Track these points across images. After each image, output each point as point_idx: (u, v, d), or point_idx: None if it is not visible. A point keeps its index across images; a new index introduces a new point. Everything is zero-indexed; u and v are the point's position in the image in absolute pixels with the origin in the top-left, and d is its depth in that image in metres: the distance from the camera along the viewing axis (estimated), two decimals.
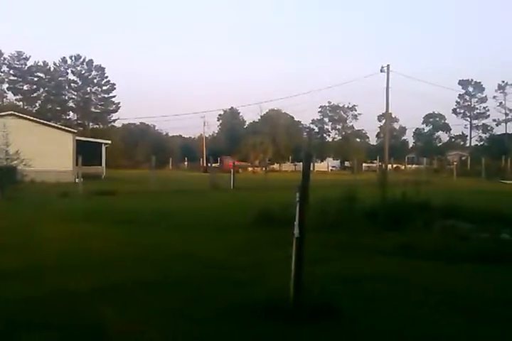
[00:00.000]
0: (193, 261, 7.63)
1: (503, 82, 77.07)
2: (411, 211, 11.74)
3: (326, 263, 7.38)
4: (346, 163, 74.17)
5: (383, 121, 75.89)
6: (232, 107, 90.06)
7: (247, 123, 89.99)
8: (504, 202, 16.40)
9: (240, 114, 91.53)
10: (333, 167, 74.81)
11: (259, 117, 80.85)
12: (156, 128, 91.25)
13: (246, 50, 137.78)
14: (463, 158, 65.25)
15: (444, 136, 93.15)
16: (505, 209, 12.91)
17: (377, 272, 6.89)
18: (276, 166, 72.28)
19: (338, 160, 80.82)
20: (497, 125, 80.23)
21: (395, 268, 7.29)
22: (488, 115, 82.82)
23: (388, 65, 44.94)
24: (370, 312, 5.03)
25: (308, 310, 4.63)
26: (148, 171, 31.43)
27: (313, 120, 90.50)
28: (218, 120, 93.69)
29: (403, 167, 62.47)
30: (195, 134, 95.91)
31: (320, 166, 66.39)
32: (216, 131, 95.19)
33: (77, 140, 38.15)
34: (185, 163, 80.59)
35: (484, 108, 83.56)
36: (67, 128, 40.29)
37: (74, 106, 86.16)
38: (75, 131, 42.02)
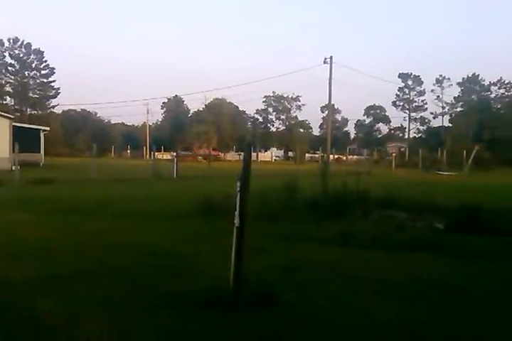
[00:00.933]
0: (132, 250, 7.52)
1: (441, 76, 79.34)
2: (351, 201, 11.98)
3: (267, 253, 7.42)
4: (290, 153, 74.83)
5: (326, 112, 76.95)
6: (176, 95, 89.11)
7: (191, 111, 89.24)
8: (439, 192, 16.77)
9: (185, 103, 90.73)
10: (276, 157, 75.34)
11: (204, 106, 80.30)
12: (98, 115, 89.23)
13: (192, 38, 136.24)
14: (402, 150, 67.01)
15: (384, 128, 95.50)
16: (439, 199, 13.31)
17: (316, 261, 6.97)
18: (220, 155, 72.08)
19: (282, 151, 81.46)
20: (434, 118, 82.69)
21: (334, 257, 7.41)
22: (426, 108, 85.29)
23: (331, 57, 45.54)
24: (308, 300, 5.10)
25: (247, 299, 4.67)
26: (89, 159, 30.69)
27: (257, 110, 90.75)
28: (162, 108, 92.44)
29: (345, 158, 63.61)
30: (139, 122, 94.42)
31: (264, 156, 66.71)
32: (160, 119, 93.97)
33: (14, 126, 36.75)
34: (128, 151, 79.17)
35: (422, 101, 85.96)
36: (3, 114, 38.68)
37: (11, 90, 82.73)
38: (12, 116, 40.37)
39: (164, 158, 50.92)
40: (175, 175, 28.69)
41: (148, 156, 61.05)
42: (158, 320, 4.45)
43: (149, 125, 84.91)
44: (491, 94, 66.66)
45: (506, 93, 63.98)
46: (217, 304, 4.66)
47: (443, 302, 5.24)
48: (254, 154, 43.02)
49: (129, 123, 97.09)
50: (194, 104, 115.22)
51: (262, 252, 7.34)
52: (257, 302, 4.68)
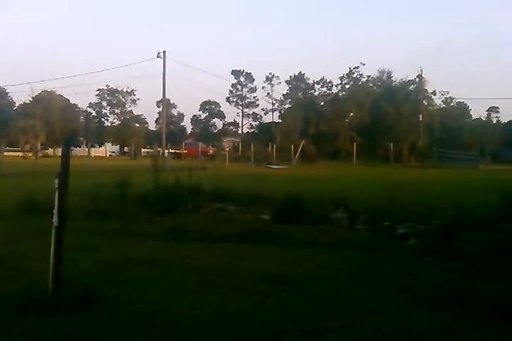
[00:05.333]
0: None
1: (271, 74, 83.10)
2: (183, 196, 12.11)
3: (95, 251, 7.27)
4: (125, 149, 73.10)
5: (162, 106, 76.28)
6: None
7: (17, 104, 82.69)
8: (267, 185, 17.33)
9: (9, 95, 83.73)
10: (112, 152, 73.10)
11: (31, 98, 74.89)
12: None
13: (16, 25, 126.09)
14: (235, 145, 68.97)
15: (219, 123, 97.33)
16: (267, 191, 13.87)
17: (146, 257, 6.92)
18: (50, 151, 67.88)
19: (118, 146, 79.20)
20: (265, 114, 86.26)
21: (164, 252, 7.42)
22: (258, 104, 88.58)
23: (164, 51, 45.23)
24: (133, 298, 5.02)
25: (68, 300, 4.49)
26: None
27: (90, 104, 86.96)
28: None
29: (181, 152, 63.67)
30: None
31: (98, 151, 64.27)
32: None
33: None
34: None
35: (254, 97, 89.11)
36: None
37: None
38: None
39: None
40: None
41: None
42: None
43: None
44: (314, 92, 71.41)
45: (328, 91, 68.95)
46: (34, 308, 4.43)
47: (265, 290, 5.45)
48: (87, 149, 41.23)
49: None
50: (20, 97, 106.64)
51: (90, 250, 7.19)
52: (79, 304, 4.51)
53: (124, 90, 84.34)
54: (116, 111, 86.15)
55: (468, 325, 4.44)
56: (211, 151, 60.21)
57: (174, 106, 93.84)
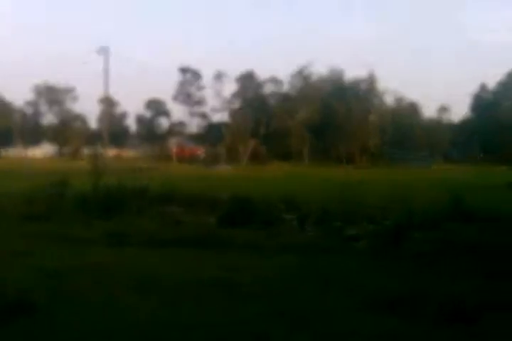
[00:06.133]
0: None
1: (219, 72, 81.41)
2: (126, 198, 11.70)
3: (30, 256, 6.98)
4: (65, 149, 69.98)
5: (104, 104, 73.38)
6: None
7: None
8: (216, 186, 17.28)
9: None
10: (49, 153, 69.88)
11: None
12: None
13: None
14: (183, 145, 67.15)
15: (165, 122, 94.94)
16: (215, 193, 13.82)
17: (83, 263, 6.64)
18: None
19: (56, 146, 75.68)
20: (214, 113, 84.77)
21: (102, 257, 7.09)
22: (206, 103, 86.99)
23: (107, 47, 42.89)
24: (70, 306, 4.81)
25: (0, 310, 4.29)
26: None
27: (26, 101, 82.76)
28: None
29: (124, 153, 61.36)
30: None
31: (35, 152, 61.32)
32: None
33: None
34: None
35: (202, 96, 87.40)
36: None
37: None
38: None
39: None
40: None
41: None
42: None
43: None
44: (264, 90, 70.33)
45: (278, 90, 67.99)
46: None
47: (206, 294, 5.29)
48: (23, 150, 38.54)
49: None
50: None
51: (24, 256, 6.95)
52: (11, 312, 4.33)
53: (64, 87, 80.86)
54: (55, 109, 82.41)
55: (413, 327, 4.43)
56: (200, 152, 58.16)
57: (117, 104, 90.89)
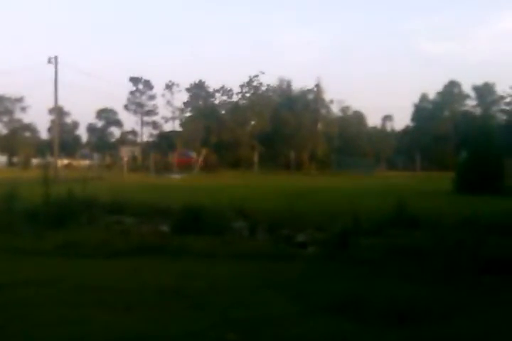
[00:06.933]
0: None
1: (170, 81, 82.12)
2: (76, 208, 11.60)
3: None
4: (15, 159, 69.10)
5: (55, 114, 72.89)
6: None
7: None
8: (167, 195, 17.18)
9: None
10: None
11: None
12: None
13: None
14: (135, 154, 67.41)
15: (117, 132, 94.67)
16: (167, 202, 13.61)
17: (33, 275, 6.52)
18: None
19: (5, 156, 74.64)
20: (165, 122, 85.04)
21: (54, 269, 7.05)
22: (158, 112, 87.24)
23: (56, 57, 43.20)
24: (21, 320, 4.69)
25: None
26: None
27: None
28: None
29: (75, 163, 61.22)
30: None
31: None
32: None
33: None
34: None
35: (154, 105, 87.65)
36: None
37: None
38: None
39: None
40: None
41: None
42: None
43: None
44: (215, 100, 71.38)
45: (228, 99, 69.18)
46: None
47: (159, 304, 5.29)
48: None
49: None
50: None
51: None
52: None
53: (12, 97, 79.87)
54: (4, 119, 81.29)
55: (363, 330, 4.55)
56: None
57: (68, 114, 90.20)
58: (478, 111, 68.08)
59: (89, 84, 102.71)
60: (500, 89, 70.61)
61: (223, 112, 68.43)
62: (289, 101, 63.39)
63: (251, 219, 11.36)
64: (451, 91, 72.73)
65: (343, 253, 7.99)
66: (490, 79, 72.35)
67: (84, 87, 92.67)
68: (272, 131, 60.00)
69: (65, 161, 49.69)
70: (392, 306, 5.01)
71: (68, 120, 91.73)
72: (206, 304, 5.33)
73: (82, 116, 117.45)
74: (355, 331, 4.53)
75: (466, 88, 73.17)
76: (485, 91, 71.74)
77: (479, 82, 72.75)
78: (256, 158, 52.02)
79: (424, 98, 73.20)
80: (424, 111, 70.99)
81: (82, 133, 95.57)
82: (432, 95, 73.32)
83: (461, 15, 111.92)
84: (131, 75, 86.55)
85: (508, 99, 68.50)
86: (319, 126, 61.40)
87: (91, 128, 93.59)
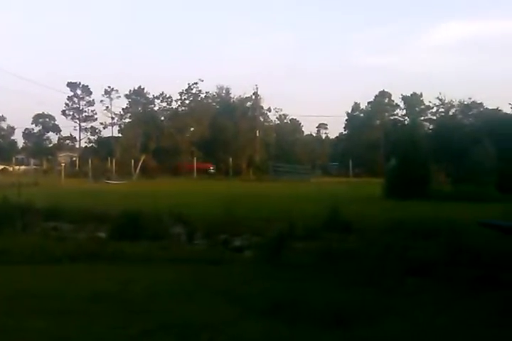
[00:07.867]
0: None
1: (109, 87, 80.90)
2: (11, 214, 11.42)
3: None
4: None
5: None
6: None
7: None
8: (105, 201, 17.10)
9: None
10: None
11: None
12: None
13: None
14: (73, 159, 65.90)
15: (54, 137, 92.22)
16: (105, 208, 13.59)
17: None
18: None
19: None
20: (104, 128, 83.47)
21: None
22: (96, 118, 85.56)
23: None
24: None
25: None
26: None
27: None
28: None
29: (11, 168, 59.31)
30: None
31: None
32: None
33: None
34: None
35: (92, 111, 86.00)
36: None
37: None
38: None
39: None
40: None
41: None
42: None
43: None
44: (154, 106, 70.86)
45: (168, 106, 68.85)
46: None
47: (95, 311, 5.28)
48: None
49: None
50: None
51: None
52: None
53: None
54: None
55: (297, 332, 4.69)
56: (211, 168, 56.79)
57: (3, 118, 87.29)
58: (406, 120, 70.41)
59: (26, 90, 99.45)
60: (427, 99, 73.48)
61: (162, 119, 68.00)
62: (228, 109, 63.78)
63: (189, 224, 11.43)
64: (382, 101, 75.07)
65: (278, 257, 8.14)
66: (418, 90, 75.17)
67: (22, 92, 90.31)
68: (211, 137, 60.14)
69: (0, 166, 47.96)
70: (326, 308, 5.16)
71: (4, 125, 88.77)
72: (142, 309, 5.35)
73: (19, 121, 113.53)
74: (290, 333, 4.66)
75: (396, 98, 75.80)
76: (413, 101, 74.48)
77: (408, 92, 75.52)
78: (195, 164, 52.05)
79: (356, 107, 75.15)
80: (357, 120, 72.82)
81: (19, 139, 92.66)
82: (363, 105, 75.50)
83: (396, 30, 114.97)
84: (69, 80, 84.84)
85: (434, 109, 71.28)
86: (257, 133, 62.10)
87: (27, 134, 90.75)
